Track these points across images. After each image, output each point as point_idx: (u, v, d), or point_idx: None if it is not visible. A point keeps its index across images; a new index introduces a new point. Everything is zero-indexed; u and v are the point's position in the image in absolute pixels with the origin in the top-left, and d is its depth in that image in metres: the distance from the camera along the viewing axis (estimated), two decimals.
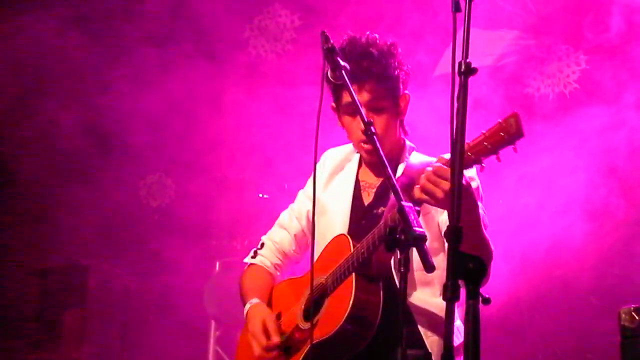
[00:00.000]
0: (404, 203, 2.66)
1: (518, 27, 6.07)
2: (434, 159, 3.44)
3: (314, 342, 3.19)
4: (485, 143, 2.70)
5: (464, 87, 2.33)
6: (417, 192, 2.91)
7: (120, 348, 6.53)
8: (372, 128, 2.94)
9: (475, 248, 2.78)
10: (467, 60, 2.35)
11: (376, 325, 3.14)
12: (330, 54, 3.13)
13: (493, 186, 4.91)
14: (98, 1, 6.70)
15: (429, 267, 2.59)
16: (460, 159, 2.34)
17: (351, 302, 3.13)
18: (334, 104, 3.53)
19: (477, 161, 2.73)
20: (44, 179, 6.50)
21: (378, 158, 2.87)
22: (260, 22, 6.99)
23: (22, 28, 6.24)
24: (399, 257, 2.59)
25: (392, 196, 3.22)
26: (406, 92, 3.49)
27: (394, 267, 3.20)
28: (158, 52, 6.63)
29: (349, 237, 3.31)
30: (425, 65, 6.04)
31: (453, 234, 2.27)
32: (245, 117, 6.55)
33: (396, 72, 3.42)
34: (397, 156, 3.48)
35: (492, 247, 3.14)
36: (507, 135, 2.65)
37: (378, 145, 2.89)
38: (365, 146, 3.38)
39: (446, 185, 2.82)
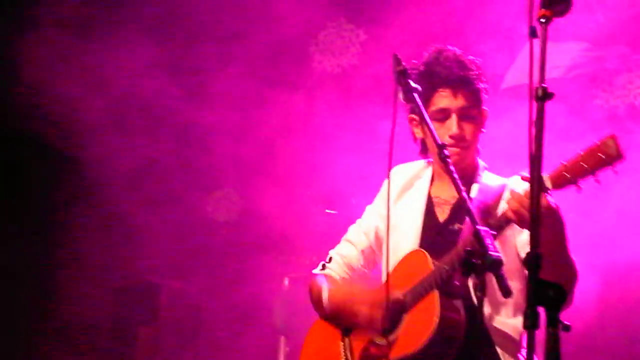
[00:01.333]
0: (479, 227, 2.65)
1: (587, 38, 6.00)
2: (506, 180, 3.45)
3: (393, 358, 3.19)
4: (582, 164, 2.70)
5: (540, 113, 2.32)
6: (508, 212, 2.92)
7: None
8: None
9: (561, 275, 2.78)
10: (544, 85, 2.33)
11: (459, 344, 3.11)
12: (402, 76, 3.16)
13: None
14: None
15: (506, 292, 2.58)
16: (537, 186, 2.33)
17: (437, 319, 3.11)
18: (413, 115, 3.52)
19: (574, 182, 2.74)
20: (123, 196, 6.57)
21: (450, 175, 2.87)
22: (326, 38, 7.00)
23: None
24: (475, 281, 2.58)
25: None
26: (485, 108, 3.51)
27: (472, 287, 3.18)
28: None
29: (426, 253, 3.29)
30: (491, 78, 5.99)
31: (533, 261, 2.26)
32: (312, 132, 6.58)
33: (482, 85, 3.47)
34: (471, 174, 3.47)
35: (577, 269, 3.11)
36: (606, 156, 2.65)
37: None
38: (457, 151, 3.35)
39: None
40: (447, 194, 3.50)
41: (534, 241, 2.27)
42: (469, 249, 2.62)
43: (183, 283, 6.72)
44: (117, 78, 6.41)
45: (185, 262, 6.75)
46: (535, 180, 2.32)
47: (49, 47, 6.21)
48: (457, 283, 3.17)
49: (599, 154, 2.66)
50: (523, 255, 3.27)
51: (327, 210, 6.32)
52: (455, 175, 2.88)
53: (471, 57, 3.50)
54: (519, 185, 3.37)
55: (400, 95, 3.20)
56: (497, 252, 2.58)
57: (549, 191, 2.85)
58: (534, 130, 2.33)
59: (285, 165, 6.64)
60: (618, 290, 5.54)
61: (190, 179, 6.83)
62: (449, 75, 3.40)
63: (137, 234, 6.62)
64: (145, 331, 6.54)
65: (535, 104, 2.34)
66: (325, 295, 3.58)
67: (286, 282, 6.47)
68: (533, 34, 2.36)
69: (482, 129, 3.51)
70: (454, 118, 3.39)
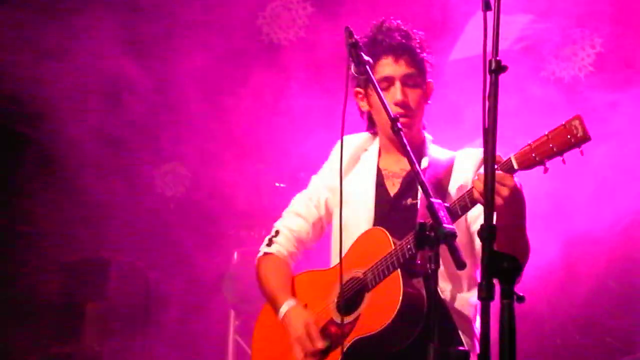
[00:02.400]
0: (433, 200, 2.66)
1: (532, 11, 6.04)
2: (454, 153, 3.46)
3: (357, 337, 3.20)
4: (550, 145, 2.75)
5: (495, 85, 2.33)
6: (475, 193, 2.93)
7: (141, 340, 6.55)
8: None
9: (517, 250, 2.82)
10: (498, 58, 2.35)
11: (422, 320, 3.12)
12: (353, 48, 3.15)
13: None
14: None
15: (460, 264, 2.58)
16: (492, 158, 2.35)
17: (401, 297, 3.11)
18: (359, 88, 3.52)
19: (540, 163, 2.78)
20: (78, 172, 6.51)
21: (404, 149, 2.87)
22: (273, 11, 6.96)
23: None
24: (429, 253, 2.58)
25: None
26: (430, 80, 3.52)
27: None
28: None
29: (386, 232, 3.27)
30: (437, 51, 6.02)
31: (487, 233, 2.27)
32: (260, 105, 6.55)
33: (426, 55, 3.48)
34: (419, 146, 3.47)
35: (530, 247, 3.14)
36: (573, 138, 2.70)
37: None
38: (403, 119, 3.29)
39: (505, 192, 2.85)
40: (396, 167, 3.50)
41: (488, 214, 2.28)
42: (422, 221, 2.62)
43: (133, 258, 6.67)
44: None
45: (133, 237, 6.70)
46: (490, 153, 2.33)
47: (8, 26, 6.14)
48: (419, 262, 3.18)
49: (566, 136, 2.71)
50: (474, 228, 3.29)
51: (277, 184, 6.31)
52: (409, 148, 2.88)
53: (415, 30, 3.50)
54: (469, 158, 3.41)
55: (352, 68, 3.20)
56: (450, 224, 2.58)
57: (516, 171, 2.88)
58: (488, 104, 2.34)
59: (234, 138, 6.62)
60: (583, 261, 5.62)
61: (145, 155, 6.78)
62: (391, 42, 3.40)
63: (90, 209, 6.56)
64: (94, 306, 6.49)
65: (489, 77, 2.35)
66: (282, 310, 3.52)
67: (235, 256, 6.47)
68: (487, 6, 2.37)
69: (428, 101, 3.52)
70: (397, 85, 3.39)
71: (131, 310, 6.55)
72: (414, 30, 3.49)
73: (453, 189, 3.35)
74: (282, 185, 6.30)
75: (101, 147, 6.57)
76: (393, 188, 3.47)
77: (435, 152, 3.50)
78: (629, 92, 5.52)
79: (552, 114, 5.59)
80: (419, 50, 3.44)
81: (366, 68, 3.10)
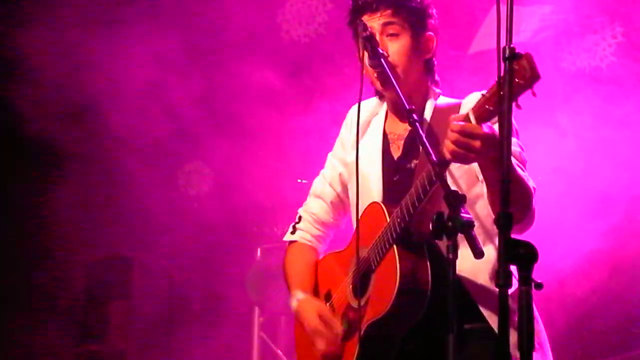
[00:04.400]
0: (450, 191, 2.64)
1: (550, 2, 6.01)
2: (460, 100, 3.35)
3: (369, 322, 3.15)
4: (501, 92, 2.49)
5: (509, 73, 2.32)
6: (446, 154, 2.80)
7: (165, 338, 6.58)
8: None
9: (519, 194, 2.78)
10: (512, 46, 2.33)
11: (429, 291, 3.04)
12: (368, 42, 3.15)
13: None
14: None
15: (477, 253, 2.57)
16: (507, 144, 2.32)
17: (398, 275, 3.04)
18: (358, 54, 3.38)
19: (496, 112, 2.63)
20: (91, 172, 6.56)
21: (420, 140, 2.84)
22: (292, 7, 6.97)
23: None
24: (447, 243, 2.56)
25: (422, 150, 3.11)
26: (431, 33, 3.37)
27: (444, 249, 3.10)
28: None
29: (382, 205, 3.21)
30: (458, 44, 6.02)
31: (502, 220, 2.26)
32: (281, 104, 6.56)
33: (418, 7, 3.33)
34: (420, 101, 3.34)
35: (533, 184, 3.04)
36: (522, 80, 2.49)
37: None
38: (375, 70, 3.20)
39: (477, 144, 2.72)
40: (400, 128, 3.41)
41: (503, 201, 2.27)
42: (438, 211, 2.60)
43: (156, 256, 6.71)
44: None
45: (159, 236, 6.73)
46: (505, 139, 2.32)
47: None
48: (414, 237, 3.09)
49: (515, 79, 2.47)
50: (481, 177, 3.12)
51: (299, 180, 6.32)
52: (423, 137, 2.86)
53: None
54: (475, 100, 3.27)
55: (367, 61, 3.19)
56: (467, 213, 2.57)
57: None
58: (502, 91, 2.34)
59: (257, 137, 6.63)
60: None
61: (163, 154, 6.81)
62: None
63: (113, 208, 6.61)
64: (118, 305, 6.53)
65: (503, 65, 2.34)
66: (293, 305, 3.51)
67: (259, 253, 6.49)
68: None
69: (427, 55, 3.37)
70: (377, 38, 3.25)
71: (155, 309, 6.58)
72: None
73: None
74: (304, 181, 6.30)
75: (125, 148, 6.62)
76: (397, 152, 3.38)
77: (441, 103, 3.38)
78: None
79: (573, 105, 5.58)
80: (403, 1, 3.29)
81: (381, 61, 3.11)
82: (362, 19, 3.29)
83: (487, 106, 2.67)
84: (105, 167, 6.61)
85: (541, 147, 5.12)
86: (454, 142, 2.75)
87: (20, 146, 6.64)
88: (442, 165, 2.84)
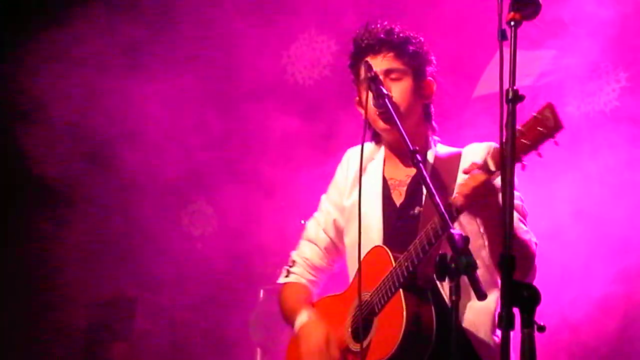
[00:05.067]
0: (453, 231, 2.65)
1: (555, 46, 6.03)
2: (460, 150, 3.40)
3: None
4: (523, 140, 2.59)
5: (512, 115, 2.34)
6: (459, 200, 2.88)
7: None
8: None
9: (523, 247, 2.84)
10: (515, 88, 2.35)
11: (433, 337, 3.06)
12: (373, 82, 3.17)
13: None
14: None
15: (480, 295, 2.57)
16: (510, 186, 2.33)
17: (404, 320, 3.05)
18: (358, 97, 3.45)
19: (517, 160, 2.61)
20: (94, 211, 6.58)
21: (424, 182, 2.86)
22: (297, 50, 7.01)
23: None
24: (449, 284, 2.57)
25: (425, 195, 3.20)
26: (431, 79, 3.44)
27: (447, 291, 3.11)
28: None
29: (387, 249, 3.23)
30: (463, 86, 6.04)
31: (506, 263, 2.26)
32: (283, 145, 6.57)
33: (419, 52, 3.40)
34: (422, 144, 3.38)
35: (534, 239, 3.10)
36: (545, 129, 2.56)
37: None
38: (383, 114, 3.25)
39: (491, 194, 2.82)
40: (401, 174, 3.44)
41: (506, 243, 2.28)
42: (442, 252, 2.61)
43: (159, 297, 6.69)
44: None
45: (160, 276, 6.72)
46: (508, 183, 2.33)
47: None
48: (420, 281, 3.12)
49: (538, 128, 2.56)
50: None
51: (302, 221, 6.30)
52: (429, 181, 2.87)
53: (408, 31, 3.44)
54: (475, 154, 3.29)
55: (372, 101, 3.22)
56: (470, 254, 2.57)
57: (494, 173, 2.83)
58: (505, 133, 2.35)
59: (258, 178, 6.63)
60: None
61: (166, 193, 6.81)
62: (372, 39, 3.36)
63: (117, 248, 6.60)
64: (120, 346, 6.50)
65: (506, 107, 2.35)
66: (297, 326, 3.51)
67: (261, 294, 6.46)
68: (503, 36, 2.38)
69: (426, 100, 3.44)
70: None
71: (157, 349, 6.55)
72: (404, 30, 3.43)
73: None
74: (307, 222, 6.29)
75: (128, 188, 6.63)
76: (399, 198, 3.41)
77: (441, 150, 3.43)
78: None
79: (578, 148, 5.58)
80: (403, 45, 3.37)
81: (385, 100, 3.13)
82: (366, 59, 3.32)
83: (523, 141, 2.65)
84: (111, 207, 6.61)
85: (548, 190, 5.13)
86: (473, 189, 2.84)
87: (29, 187, 6.67)
88: (454, 215, 2.91)
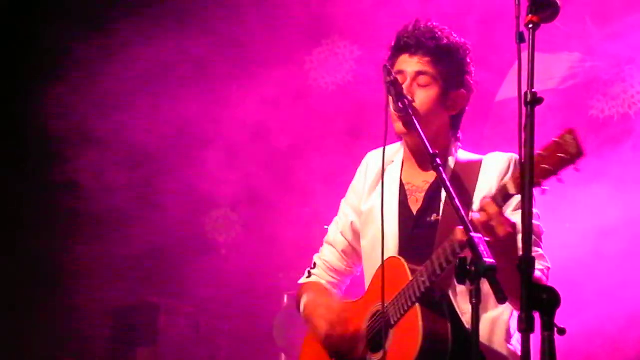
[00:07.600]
0: (473, 234, 2.64)
1: (579, 49, 6.01)
2: (481, 157, 3.35)
3: None
4: (543, 165, 2.54)
5: (531, 118, 2.33)
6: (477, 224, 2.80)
7: None
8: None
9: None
10: (533, 90, 2.34)
11: (449, 353, 3.05)
12: (392, 86, 3.16)
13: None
14: None
15: (501, 297, 2.55)
16: (529, 187, 2.33)
17: (421, 334, 3.03)
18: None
19: (537, 184, 2.58)
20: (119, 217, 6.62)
21: (444, 185, 2.85)
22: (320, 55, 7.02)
23: None
24: (470, 288, 2.56)
25: (444, 202, 3.20)
26: (464, 91, 3.35)
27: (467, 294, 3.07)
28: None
29: (403, 261, 3.19)
30: (487, 90, 6.02)
31: (526, 265, 2.26)
32: (310, 149, 6.58)
33: (457, 62, 3.32)
34: (442, 150, 3.26)
35: (547, 264, 3.09)
36: (567, 155, 2.51)
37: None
38: (402, 115, 3.19)
39: (507, 228, 2.77)
40: (419, 180, 3.38)
41: (526, 245, 2.27)
42: (462, 256, 2.60)
43: (183, 303, 6.71)
44: None
45: (185, 281, 6.74)
46: (527, 186, 2.33)
47: None
48: (437, 294, 3.11)
49: (559, 154, 2.51)
50: None
51: (325, 227, 6.30)
52: (449, 184, 2.86)
53: (455, 36, 3.34)
54: (495, 163, 3.28)
55: (392, 106, 3.21)
56: (491, 258, 2.56)
57: (512, 196, 2.80)
58: (524, 136, 2.34)
59: (284, 183, 6.65)
60: None
61: (190, 199, 6.84)
62: (410, 38, 3.28)
63: (141, 253, 6.64)
64: (144, 352, 6.52)
65: (524, 109, 2.35)
66: (301, 307, 3.54)
67: (285, 299, 6.47)
68: (521, 39, 2.37)
69: (451, 111, 3.35)
70: (407, 82, 3.26)
71: (181, 355, 6.57)
72: (450, 34, 3.34)
73: (479, 196, 3.16)
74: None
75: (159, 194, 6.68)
76: (416, 204, 3.35)
77: (462, 157, 3.37)
78: None
79: (602, 153, 5.54)
80: (444, 54, 3.28)
81: (405, 104, 3.13)
82: (399, 59, 3.31)
83: (544, 165, 2.59)
84: (130, 213, 6.64)
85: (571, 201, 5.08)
86: (495, 224, 2.77)
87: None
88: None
